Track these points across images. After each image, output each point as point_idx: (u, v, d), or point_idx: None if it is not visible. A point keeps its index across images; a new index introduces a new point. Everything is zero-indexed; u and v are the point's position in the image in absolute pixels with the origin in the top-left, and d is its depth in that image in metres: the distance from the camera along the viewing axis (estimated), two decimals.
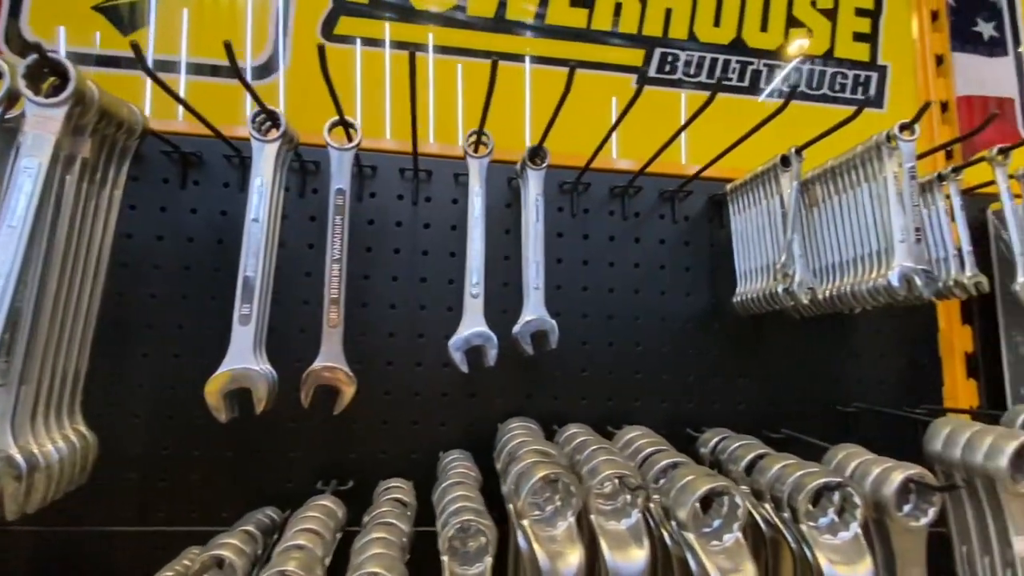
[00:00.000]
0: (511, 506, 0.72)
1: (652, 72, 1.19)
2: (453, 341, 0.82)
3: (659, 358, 1.09)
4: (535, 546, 0.66)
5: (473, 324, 0.82)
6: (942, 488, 0.75)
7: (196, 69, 1.25)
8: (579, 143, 1.05)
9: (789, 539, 0.77)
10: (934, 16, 1.30)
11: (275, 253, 0.82)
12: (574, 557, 0.66)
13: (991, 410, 0.96)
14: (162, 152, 0.99)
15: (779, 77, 1.23)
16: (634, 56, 1.19)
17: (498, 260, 1.06)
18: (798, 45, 1.31)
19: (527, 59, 1.18)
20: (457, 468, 0.88)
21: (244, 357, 0.75)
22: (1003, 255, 1.12)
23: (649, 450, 0.88)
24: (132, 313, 0.96)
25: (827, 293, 0.93)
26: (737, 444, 0.93)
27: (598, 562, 0.71)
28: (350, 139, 0.87)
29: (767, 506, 0.82)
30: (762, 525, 0.83)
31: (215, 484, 0.96)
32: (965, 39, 1.28)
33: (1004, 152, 0.93)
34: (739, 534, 0.72)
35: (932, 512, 0.79)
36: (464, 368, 0.81)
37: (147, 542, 0.94)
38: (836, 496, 0.76)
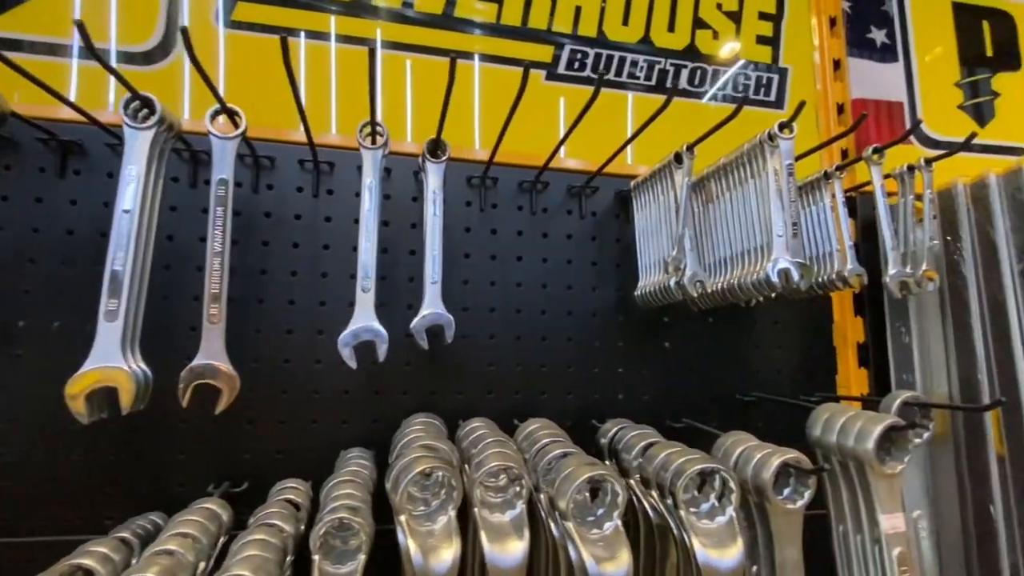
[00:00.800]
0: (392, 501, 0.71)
1: (561, 69, 1.20)
2: (341, 337, 0.80)
3: (565, 351, 1.10)
4: (409, 541, 0.66)
5: (363, 319, 0.81)
6: (812, 471, 0.79)
7: (86, 54, 1.18)
8: (489, 137, 1.05)
9: (672, 525, 0.79)
10: (832, 22, 1.36)
11: (150, 246, 0.78)
12: (448, 553, 0.66)
13: (878, 397, 1.02)
14: (38, 140, 0.94)
15: (721, 81, 1.26)
16: (543, 52, 1.20)
17: (403, 254, 1.05)
18: (730, 48, 1.34)
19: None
20: (350, 466, 0.87)
21: (110, 355, 0.71)
22: None
23: (544, 441, 0.88)
24: (4, 311, 0.90)
25: (717, 286, 0.96)
26: (632, 433, 0.95)
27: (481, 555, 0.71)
28: (236, 127, 0.84)
29: (654, 493, 0.84)
30: (650, 512, 0.86)
31: (98, 490, 0.92)
32: (860, 45, 1.35)
33: (878, 151, 0.99)
34: (618, 522, 0.73)
35: (808, 494, 0.83)
36: (352, 364, 0.80)
37: (23, 554, 0.88)
38: (717, 481, 0.79)
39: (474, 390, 1.06)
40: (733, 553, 0.72)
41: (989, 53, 1.45)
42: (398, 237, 1.05)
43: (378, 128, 0.88)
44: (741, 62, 1.29)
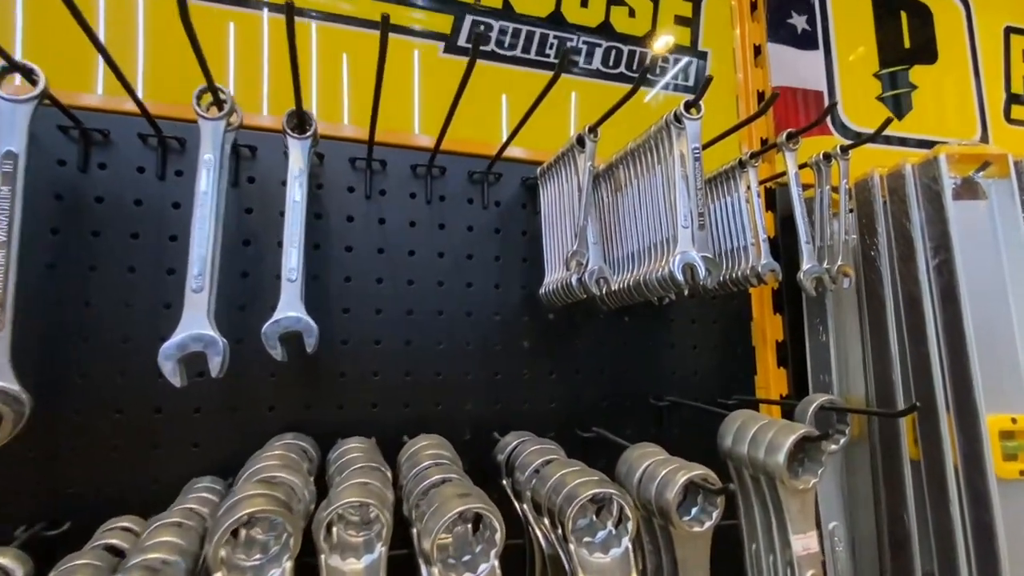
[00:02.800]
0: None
1: (461, 41, 1.08)
2: (163, 348, 0.66)
3: (463, 356, 0.98)
4: None
5: (193, 326, 0.66)
6: (718, 491, 0.70)
7: None
8: (380, 115, 0.91)
9: (563, 559, 0.69)
10: (753, 6, 1.30)
11: None
12: None
13: (797, 399, 0.96)
14: None
15: (650, 68, 1.17)
16: (442, 22, 1.07)
17: (272, 247, 0.90)
18: (665, 42, 1.25)
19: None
20: (188, 504, 0.72)
21: None
22: None
23: (424, 464, 0.77)
24: None
25: (623, 284, 0.87)
26: (531, 449, 0.84)
27: None
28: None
29: (546, 521, 0.74)
30: (542, 542, 0.75)
31: None
32: (780, 31, 1.30)
33: (792, 137, 0.92)
34: (495, 563, 0.62)
35: (716, 515, 0.75)
36: (176, 381, 0.65)
37: None
38: (614, 506, 0.69)
39: (356, 404, 0.92)
40: None
41: (907, 45, 1.43)
42: (264, 226, 0.91)
43: (222, 96, 0.73)
44: (664, 39, 1.20)
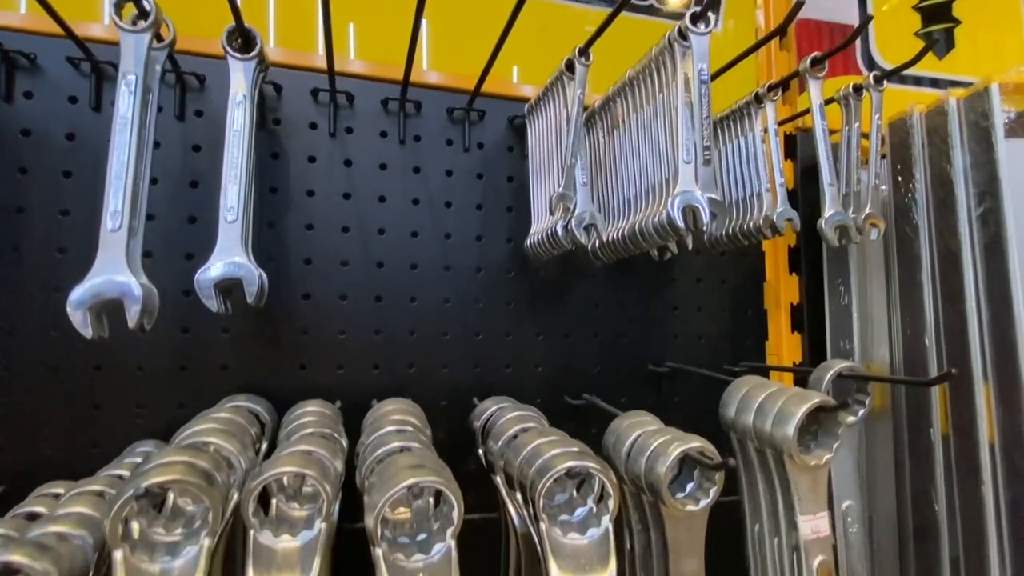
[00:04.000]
0: None
1: None
2: (72, 294, 0.57)
3: (440, 314, 0.89)
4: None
5: (107, 270, 0.57)
6: (715, 466, 0.61)
7: None
8: (348, 42, 0.81)
9: (535, 538, 0.61)
10: None
11: None
12: None
13: (812, 366, 0.85)
14: None
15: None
16: None
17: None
18: None
19: None
20: (117, 469, 0.65)
21: None
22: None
23: (385, 430, 0.68)
24: None
25: (617, 233, 0.76)
26: (509, 416, 0.75)
27: None
28: None
29: (518, 496, 0.65)
30: (515, 520, 0.67)
31: None
32: None
33: (817, 63, 0.79)
34: (451, 543, 0.54)
35: (713, 492, 0.65)
36: (87, 332, 0.57)
37: None
38: (595, 481, 0.60)
39: (320, 364, 0.84)
40: None
41: None
42: (214, 166, 0.81)
43: (146, 5, 0.63)
44: None
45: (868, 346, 0.97)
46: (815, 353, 1.05)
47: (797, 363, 1.07)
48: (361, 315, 0.86)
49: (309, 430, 0.66)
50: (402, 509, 0.59)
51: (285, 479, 0.59)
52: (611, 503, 0.58)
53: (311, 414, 0.72)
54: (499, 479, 0.70)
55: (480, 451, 0.78)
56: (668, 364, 0.97)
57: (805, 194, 1.07)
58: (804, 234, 1.08)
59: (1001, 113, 0.77)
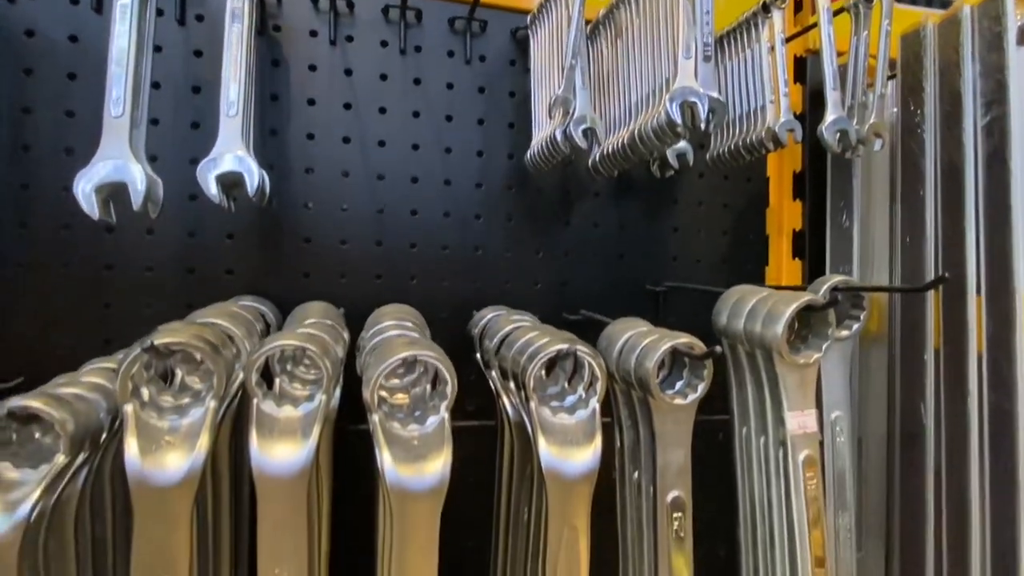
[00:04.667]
0: None
1: None
2: (79, 174, 0.58)
3: (441, 228, 0.90)
4: (130, 438, 0.48)
5: (112, 153, 0.59)
6: (703, 355, 0.63)
7: None
8: None
9: (525, 422, 0.63)
10: None
11: None
12: (179, 457, 0.49)
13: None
14: None
15: None
16: None
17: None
18: None
19: None
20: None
21: None
22: None
23: (384, 324, 0.70)
24: None
25: (617, 143, 0.76)
26: (504, 318, 0.77)
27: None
28: None
29: (511, 385, 0.67)
30: (508, 410, 0.70)
31: None
32: None
33: None
34: (445, 416, 0.56)
35: (701, 388, 0.67)
36: (93, 213, 0.58)
37: None
38: (585, 369, 0.62)
39: (323, 273, 0.86)
40: (585, 455, 0.57)
41: None
42: (216, 71, 0.81)
43: None
44: None
45: (868, 270, 0.97)
46: (815, 279, 1.05)
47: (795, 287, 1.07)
48: (362, 226, 0.87)
49: (312, 319, 0.69)
50: (400, 395, 0.62)
51: (287, 357, 0.62)
52: (599, 386, 0.60)
53: (315, 310, 0.74)
54: (494, 373, 0.72)
55: (477, 355, 0.80)
56: (665, 283, 0.98)
57: (813, 118, 1.05)
58: (809, 158, 1.07)
59: (1014, 19, 0.75)
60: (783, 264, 1.07)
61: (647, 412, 0.69)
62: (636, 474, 0.72)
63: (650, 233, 1.00)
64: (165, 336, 0.50)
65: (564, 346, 0.59)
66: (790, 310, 0.66)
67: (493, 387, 0.73)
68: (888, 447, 0.91)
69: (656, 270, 1.00)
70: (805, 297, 0.67)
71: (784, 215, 1.08)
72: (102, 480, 0.57)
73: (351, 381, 0.78)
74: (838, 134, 0.80)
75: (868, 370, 0.97)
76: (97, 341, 0.78)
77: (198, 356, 0.51)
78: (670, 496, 0.67)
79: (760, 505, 0.72)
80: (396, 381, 0.62)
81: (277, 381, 0.59)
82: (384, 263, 0.88)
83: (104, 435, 0.54)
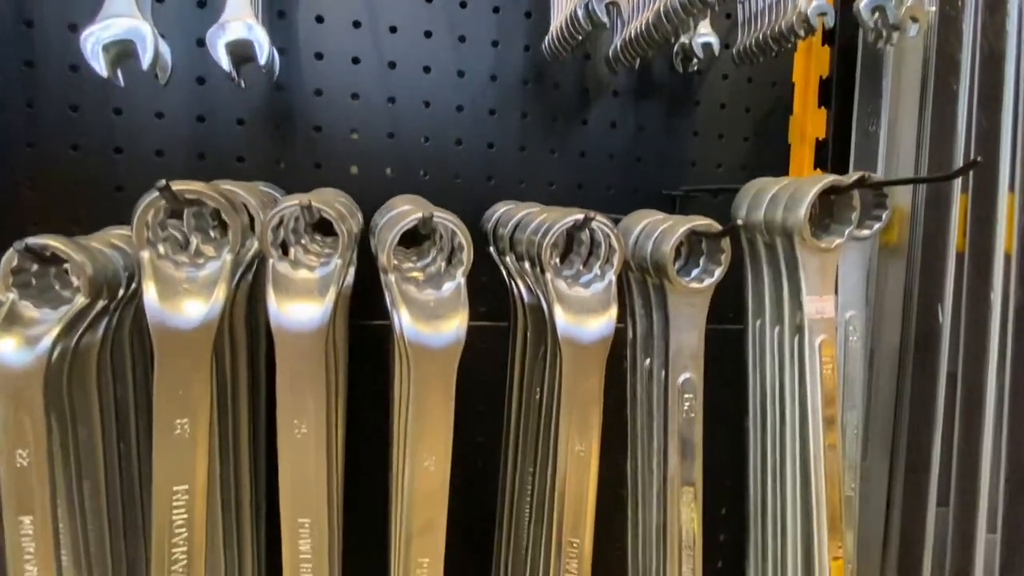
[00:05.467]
0: None
1: None
2: (84, 33, 0.56)
3: (453, 121, 0.88)
4: (148, 282, 0.48)
5: (117, 8, 0.56)
6: (723, 232, 0.62)
7: None
8: None
9: (541, 298, 0.63)
10: None
11: None
12: (198, 305, 0.49)
13: None
14: None
15: None
16: None
17: None
18: None
19: None
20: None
21: None
22: None
23: (403, 208, 0.69)
24: None
25: (640, 25, 0.73)
26: (517, 208, 0.76)
27: None
28: None
29: (526, 266, 0.67)
30: (524, 294, 0.69)
31: None
32: None
33: None
34: (461, 281, 0.56)
35: (718, 272, 0.67)
36: (102, 70, 0.57)
37: None
38: (602, 248, 0.61)
39: (334, 163, 0.84)
40: (600, 322, 0.56)
41: None
42: None
43: None
44: None
45: (893, 176, 0.94)
46: None
47: None
48: (373, 116, 0.85)
49: (327, 195, 0.68)
50: (416, 273, 0.61)
51: (301, 229, 0.61)
52: (616, 259, 0.59)
53: (328, 191, 0.73)
54: (508, 259, 0.71)
55: (491, 249, 0.79)
56: (682, 188, 0.96)
57: (844, 18, 1.00)
58: (837, 64, 1.03)
59: None
60: (804, 173, 1.04)
61: (662, 298, 0.68)
62: (648, 361, 0.72)
63: (669, 136, 0.97)
64: (182, 184, 0.49)
65: (581, 216, 0.58)
66: (815, 190, 0.64)
67: (506, 272, 0.72)
68: (900, 354, 0.91)
69: (674, 175, 0.98)
70: (830, 178, 0.65)
71: (808, 122, 1.04)
72: (121, 339, 0.58)
73: (363, 277, 0.79)
74: (875, 12, 0.75)
75: (885, 280, 0.95)
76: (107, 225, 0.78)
77: (212, 205, 0.50)
78: (681, 378, 0.67)
79: (772, 392, 0.72)
80: (409, 264, 0.62)
81: (292, 251, 0.59)
82: (396, 156, 0.86)
83: (121, 291, 0.54)
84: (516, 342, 0.77)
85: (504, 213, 0.79)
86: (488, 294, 0.89)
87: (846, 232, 0.67)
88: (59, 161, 0.76)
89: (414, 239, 0.62)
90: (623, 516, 0.78)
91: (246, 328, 0.64)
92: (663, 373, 0.69)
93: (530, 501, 0.69)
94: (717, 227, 0.64)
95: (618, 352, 0.74)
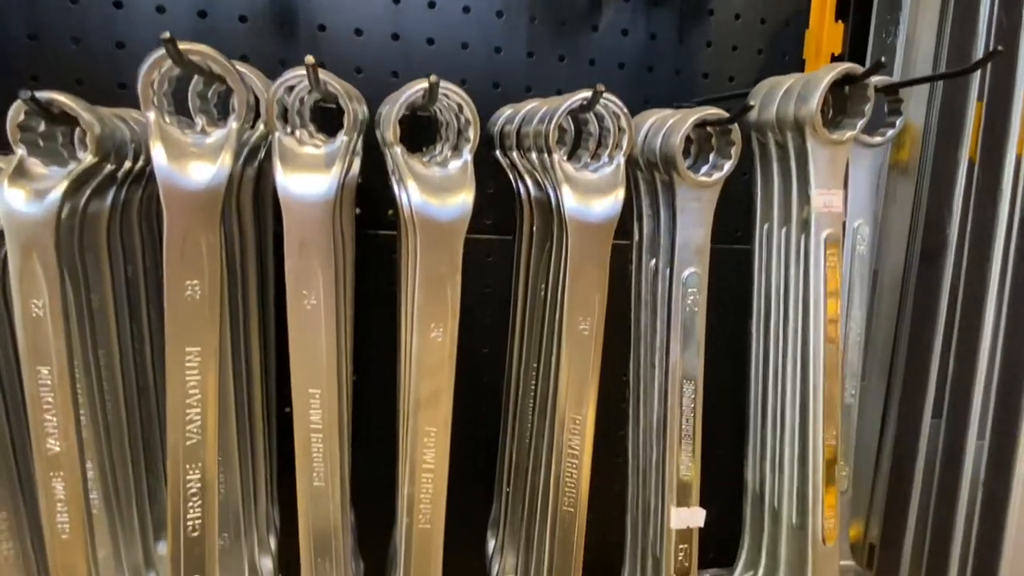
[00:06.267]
0: None
1: None
2: None
3: (459, 24, 0.85)
4: (155, 142, 0.47)
5: None
6: (734, 116, 0.61)
7: None
8: None
9: (547, 187, 0.63)
10: None
11: None
12: (205, 167, 0.49)
13: None
14: None
15: None
16: None
17: None
18: None
19: None
20: None
21: None
22: None
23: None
24: None
25: None
26: (522, 105, 0.75)
27: None
28: None
29: (532, 156, 0.66)
30: (531, 189, 0.69)
31: None
32: None
33: None
34: (468, 158, 0.56)
35: (728, 166, 0.66)
36: None
37: None
38: (611, 133, 0.61)
39: (338, 66, 0.82)
40: (607, 202, 0.56)
41: None
42: None
43: None
44: None
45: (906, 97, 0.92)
46: None
47: None
48: (378, 17, 0.83)
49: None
50: (422, 162, 0.61)
51: (307, 114, 0.61)
52: (625, 140, 0.58)
53: None
54: (514, 155, 0.71)
55: (497, 152, 0.79)
56: (694, 100, 0.94)
57: None
58: None
59: None
60: None
61: (670, 196, 0.68)
62: (653, 262, 0.73)
63: (681, 46, 0.94)
64: (185, 44, 0.48)
65: (589, 92, 0.57)
66: (829, 77, 0.63)
67: (512, 169, 0.72)
68: (905, 271, 0.91)
69: (685, 86, 0.95)
70: (844, 65, 0.63)
71: (824, 36, 1.01)
72: (131, 221, 0.59)
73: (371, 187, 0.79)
74: None
75: (894, 199, 0.94)
76: None
77: (216, 71, 0.50)
78: (686, 272, 0.68)
79: (776, 291, 0.72)
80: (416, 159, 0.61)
81: (298, 133, 0.58)
82: (401, 58, 0.84)
83: (128, 162, 0.54)
84: (522, 245, 0.77)
85: (510, 112, 0.78)
86: (495, 208, 0.89)
87: (859, 125, 0.66)
88: (60, 54, 0.75)
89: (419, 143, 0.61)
90: (623, 416, 0.79)
91: (254, 215, 0.64)
92: (668, 271, 0.69)
93: (534, 392, 0.71)
94: (724, 114, 0.63)
95: (623, 260, 0.75)
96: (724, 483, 0.83)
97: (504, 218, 0.87)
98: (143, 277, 0.61)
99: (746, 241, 0.82)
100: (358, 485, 0.76)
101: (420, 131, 0.72)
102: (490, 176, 0.85)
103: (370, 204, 0.87)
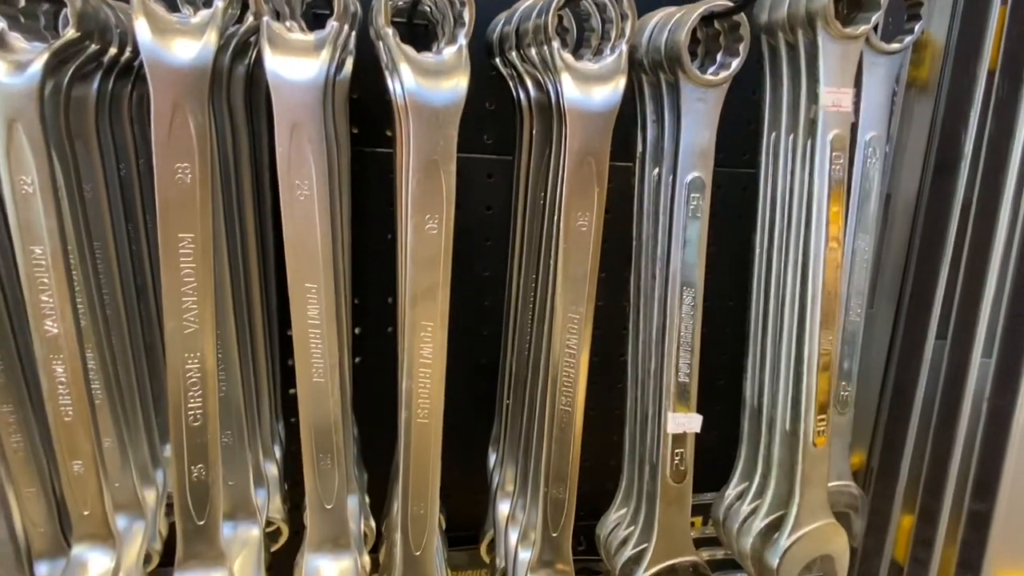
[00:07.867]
0: None
1: None
2: None
3: None
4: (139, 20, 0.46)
5: None
6: (739, 7, 0.58)
7: None
8: None
9: (547, 83, 0.61)
10: None
11: None
12: (188, 44, 0.47)
13: None
14: None
15: None
16: None
17: None
18: None
19: None
20: None
21: None
22: None
23: None
24: None
25: None
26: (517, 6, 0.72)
27: None
28: None
29: (532, 52, 0.64)
30: (531, 93, 0.67)
31: None
32: None
33: None
34: (463, 43, 0.53)
35: (735, 63, 0.64)
36: None
37: None
38: (612, 26, 0.58)
39: None
40: (607, 90, 0.54)
41: None
42: None
43: None
44: None
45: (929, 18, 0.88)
46: None
47: None
48: None
49: None
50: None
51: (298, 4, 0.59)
52: (628, 26, 0.56)
53: None
54: (513, 54, 0.68)
55: (496, 60, 0.76)
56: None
57: None
58: None
59: None
60: None
61: (675, 99, 0.66)
62: (656, 170, 0.71)
63: None
64: None
65: None
66: None
67: (513, 74, 0.70)
68: (919, 188, 0.88)
69: None
70: None
71: None
72: (120, 113, 0.58)
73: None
74: None
75: (910, 118, 0.91)
76: None
77: None
78: (689, 176, 0.66)
79: (782, 196, 0.71)
80: None
81: (288, 23, 0.56)
82: None
83: (114, 49, 0.52)
84: (521, 160, 0.76)
85: (508, 14, 0.75)
86: (496, 127, 0.87)
87: (872, 18, 0.63)
88: None
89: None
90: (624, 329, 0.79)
91: (247, 116, 0.62)
92: (671, 177, 0.68)
93: (533, 302, 0.70)
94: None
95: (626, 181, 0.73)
96: (725, 405, 0.83)
97: (504, 136, 0.85)
98: (137, 179, 0.61)
99: (753, 165, 0.80)
100: (360, 397, 0.78)
101: (417, 40, 0.70)
102: (490, 92, 0.83)
103: (368, 123, 0.86)
